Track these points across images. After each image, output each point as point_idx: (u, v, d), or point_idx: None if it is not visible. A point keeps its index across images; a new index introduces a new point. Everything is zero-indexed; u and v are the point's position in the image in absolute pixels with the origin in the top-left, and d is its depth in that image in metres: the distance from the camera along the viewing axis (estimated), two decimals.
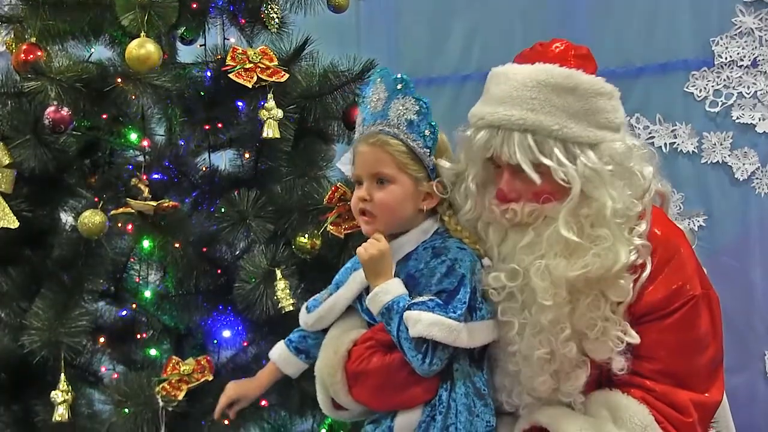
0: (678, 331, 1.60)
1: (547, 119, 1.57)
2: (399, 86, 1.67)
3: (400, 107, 1.66)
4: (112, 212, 2.23)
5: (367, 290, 1.74)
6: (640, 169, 1.62)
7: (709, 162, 3.18)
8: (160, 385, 2.18)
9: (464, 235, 1.70)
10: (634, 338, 1.58)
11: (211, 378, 2.23)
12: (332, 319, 1.82)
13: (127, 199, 2.21)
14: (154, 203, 2.19)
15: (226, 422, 2.38)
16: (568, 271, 1.55)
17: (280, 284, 2.22)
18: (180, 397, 2.18)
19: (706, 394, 1.62)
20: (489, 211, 1.65)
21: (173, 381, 2.19)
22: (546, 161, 1.56)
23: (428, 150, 1.68)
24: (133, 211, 2.20)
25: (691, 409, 1.59)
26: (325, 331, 1.85)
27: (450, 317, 1.60)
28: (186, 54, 2.56)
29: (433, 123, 1.68)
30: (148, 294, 2.48)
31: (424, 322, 1.59)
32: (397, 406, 1.69)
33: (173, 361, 2.22)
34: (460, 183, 1.69)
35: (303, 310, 1.88)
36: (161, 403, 2.16)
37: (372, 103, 1.69)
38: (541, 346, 1.57)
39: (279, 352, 1.91)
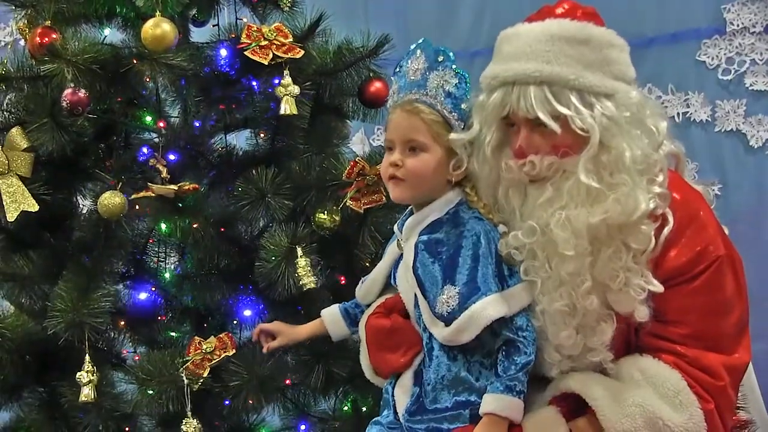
0: (705, 293, 1.60)
1: (563, 70, 1.57)
2: (440, 58, 1.69)
3: (440, 79, 1.68)
4: (133, 196, 2.23)
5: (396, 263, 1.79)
6: (655, 123, 1.62)
7: (722, 130, 3.17)
8: (184, 366, 2.20)
9: (480, 205, 1.71)
10: (657, 287, 1.57)
11: (232, 353, 2.24)
12: (376, 291, 1.86)
13: (149, 183, 2.21)
14: (175, 186, 2.20)
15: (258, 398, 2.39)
16: (589, 218, 1.55)
17: (301, 261, 2.22)
18: (204, 375, 2.20)
19: (736, 355, 1.63)
20: (507, 170, 1.64)
21: (197, 361, 2.21)
22: (564, 110, 1.56)
23: (463, 123, 1.70)
24: (153, 194, 2.21)
25: (723, 372, 1.60)
26: None
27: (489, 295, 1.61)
28: (198, 36, 2.55)
29: (470, 97, 1.69)
30: (167, 275, 2.48)
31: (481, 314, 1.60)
32: (385, 368, 1.75)
33: (195, 341, 2.23)
34: (477, 150, 1.69)
35: (360, 283, 1.93)
36: (186, 381, 2.17)
37: (410, 73, 1.71)
38: (561, 299, 1.58)
39: (331, 311, 1.98)
